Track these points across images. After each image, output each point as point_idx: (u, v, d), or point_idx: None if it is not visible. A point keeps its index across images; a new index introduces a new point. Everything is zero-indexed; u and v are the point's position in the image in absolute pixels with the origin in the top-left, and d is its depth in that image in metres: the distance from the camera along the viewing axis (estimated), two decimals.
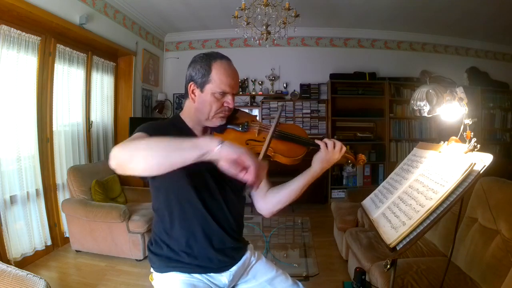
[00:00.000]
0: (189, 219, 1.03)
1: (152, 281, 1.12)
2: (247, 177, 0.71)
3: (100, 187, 2.95)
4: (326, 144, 1.04)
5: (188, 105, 1.08)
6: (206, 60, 1.01)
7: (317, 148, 1.06)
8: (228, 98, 1.02)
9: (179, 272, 1.04)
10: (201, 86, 1.01)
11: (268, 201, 1.14)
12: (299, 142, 1.07)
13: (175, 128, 1.06)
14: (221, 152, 0.71)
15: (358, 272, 1.58)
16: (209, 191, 1.04)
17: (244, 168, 0.72)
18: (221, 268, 1.08)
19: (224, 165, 0.72)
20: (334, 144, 1.04)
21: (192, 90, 1.03)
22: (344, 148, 1.05)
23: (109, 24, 3.52)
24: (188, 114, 1.08)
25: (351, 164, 1.13)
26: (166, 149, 0.73)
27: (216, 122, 1.05)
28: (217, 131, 1.07)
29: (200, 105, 1.03)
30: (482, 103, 4.68)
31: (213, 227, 1.04)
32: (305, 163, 1.11)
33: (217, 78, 1.00)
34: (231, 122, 1.08)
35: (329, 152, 1.03)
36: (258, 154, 0.95)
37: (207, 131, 1.11)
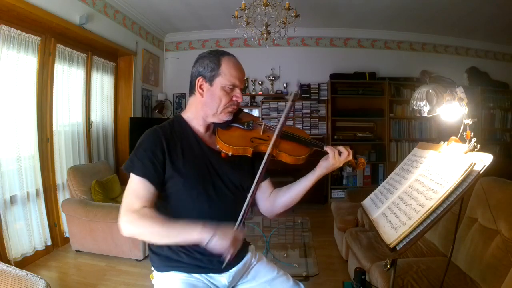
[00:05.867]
0: None
1: (152, 280, 1.13)
2: (229, 256, 0.90)
3: (100, 187, 2.95)
4: (340, 152, 1.04)
5: (193, 101, 1.08)
6: (215, 55, 1.03)
7: (323, 151, 1.07)
8: (237, 92, 1.04)
9: (179, 271, 1.04)
10: (210, 80, 1.02)
11: (272, 203, 1.14)
12: (302, 143, 1.09)
13: (174, 133, 1.04)
14: (210, 246, 0.88)
15: (358, 272, 1.59)
16: (208, 199, 1.03)
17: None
18: (221, 269, 1.07)
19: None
20: (341, 153, 1.04)
21: (200, 85, 1.03)
22: (350, 157, 1.06)
23: (109, 24, 3.52)
24: (194, 111, 1.08)
25: (351, 168, 1.14)
26: (166, 238, 0.94)
27: (224, 117, 1.05)
28: (222, 127, 1.07)
29: (208, 99, 1.03)
30: (482, 103, 4.68)
31: None
32: (307, 164, 1.11)
33: (227, 72, 1.01)
34: (235, 121, 1.09)
35: (337, 160, 1.04)
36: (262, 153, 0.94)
37: (211, 128, 1.10)
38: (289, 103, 1.11)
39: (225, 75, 1.01)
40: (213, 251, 0.88)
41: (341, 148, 1.06)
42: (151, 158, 0.97)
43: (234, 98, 1.04)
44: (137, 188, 0.96)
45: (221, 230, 0.89)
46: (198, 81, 1.03)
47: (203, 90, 1.03)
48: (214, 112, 1.04)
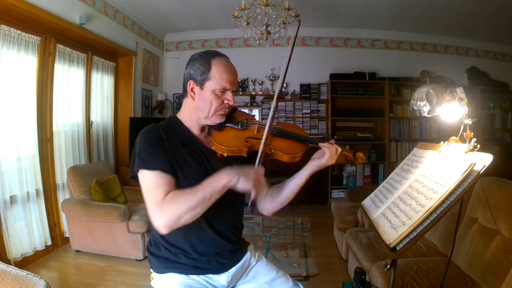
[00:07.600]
0: (187, 226, 0.97)
1: (151, 281, 1.13)
2: (253, 194, 0.91)
3: (100, 187, 2.95)
4: (329, 149, 1.01)
5: (186, 104, 1.07)
6: (205, 57, 1.01)
7: (318, 147, 1.05)
8: (229, 95, 1.02)
9: (177, 273, 1.04)
10: (201, 84, 1.00)
11: (268, 201, 1.13)
12: (298, 140, 1.08)
13: (172, 131, 1.04)
14: (238, 187, 0.89)
15: (358, 272, 1.58)
16: None
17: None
18: (220, 269, 1.07)
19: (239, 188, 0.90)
20: (330, 149, 1.02)
21: (191, 88, 1.02)
22: (339, 150, 1.03)
23: (109, 24, 3.52)
24: (187, 113, 1.07)
25: (350, 163, 1.12)
26: (204, 201, 0.89)
27: (216, 120, 1.03)
28: (216, 129, 1.06)
29: (200, 103, 1.02)
30: (482, 103, 4.68)
31: (211, 233, 1.03)
32: (305, 162, 1.10)
33: (217, 75, 0.99)
34: (229, 121, 1.07)
35: (330, 158, 1.02)
36: (258, 152, 0.95)
37: (205, 129, 1.09)
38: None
39: (216, 79, 0.99)
40: (241, 190, 0.90)
41: (330, 146, 1.03)
42: (158, 150, 0.96)
43: (225, 101, 1.02)
44: (155, 182, 0.94)
45: (244, 171, 0.90)
46: (189, 84, 1.02)
47: (194, 94, 1.02)
48: (206, 115, 1.02)
